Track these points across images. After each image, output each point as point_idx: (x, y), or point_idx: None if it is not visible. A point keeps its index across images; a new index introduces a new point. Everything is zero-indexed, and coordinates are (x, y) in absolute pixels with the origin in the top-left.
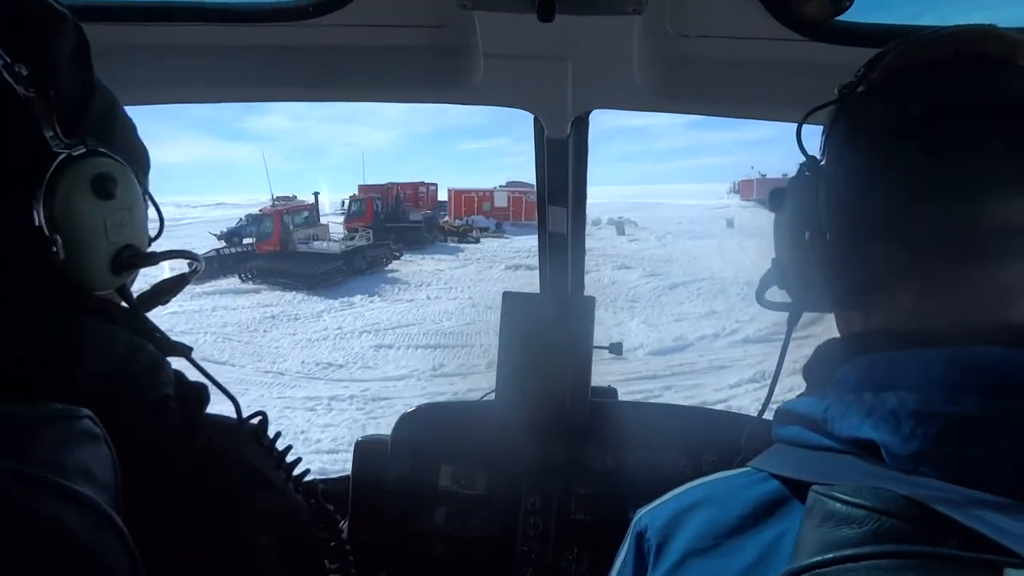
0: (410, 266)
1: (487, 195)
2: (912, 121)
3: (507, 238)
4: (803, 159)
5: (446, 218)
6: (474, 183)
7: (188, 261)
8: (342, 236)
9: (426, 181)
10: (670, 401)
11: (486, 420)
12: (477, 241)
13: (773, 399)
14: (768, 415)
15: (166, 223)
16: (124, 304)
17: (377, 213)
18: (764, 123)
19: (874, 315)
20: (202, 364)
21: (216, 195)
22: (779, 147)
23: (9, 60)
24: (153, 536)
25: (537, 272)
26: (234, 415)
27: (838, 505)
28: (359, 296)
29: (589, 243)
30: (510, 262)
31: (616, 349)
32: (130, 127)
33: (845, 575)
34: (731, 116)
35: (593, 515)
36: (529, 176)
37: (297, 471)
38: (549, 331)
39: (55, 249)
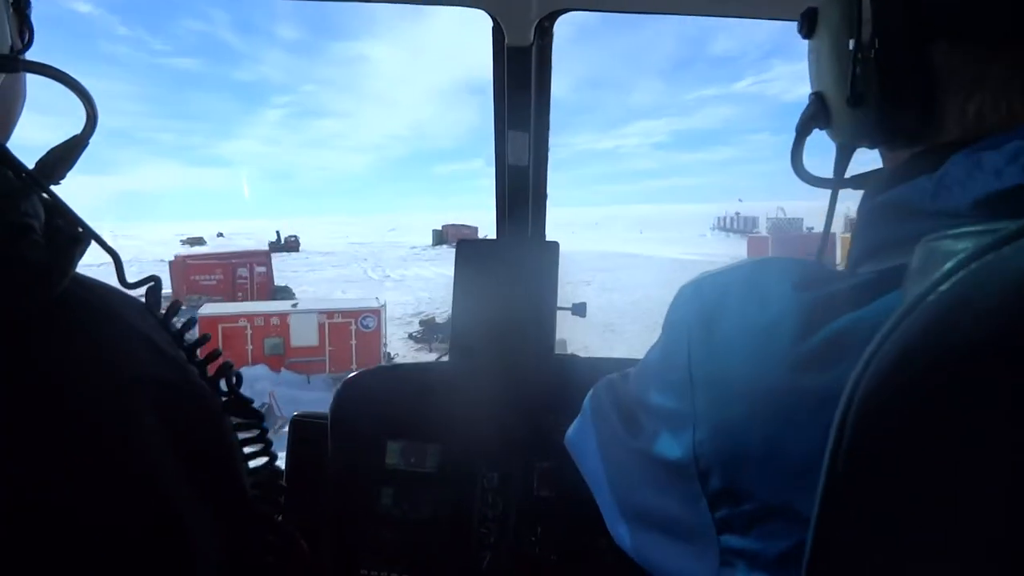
0: None
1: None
2: None
3: None
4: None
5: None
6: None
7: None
8: None
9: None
10: None
11: (438, 386)
12: None
13: None
14: None
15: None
16: None
17: None
18: (735, 143)
19: (942, 132)
20: None
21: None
22: (756, 167)
23: None
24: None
25: None
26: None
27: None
28: None
29: None
30: None
31: (580, 310)
32: None
33: None
34: (716, 15)
35: (558, 491)
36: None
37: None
38: (508, 282)
39: None
